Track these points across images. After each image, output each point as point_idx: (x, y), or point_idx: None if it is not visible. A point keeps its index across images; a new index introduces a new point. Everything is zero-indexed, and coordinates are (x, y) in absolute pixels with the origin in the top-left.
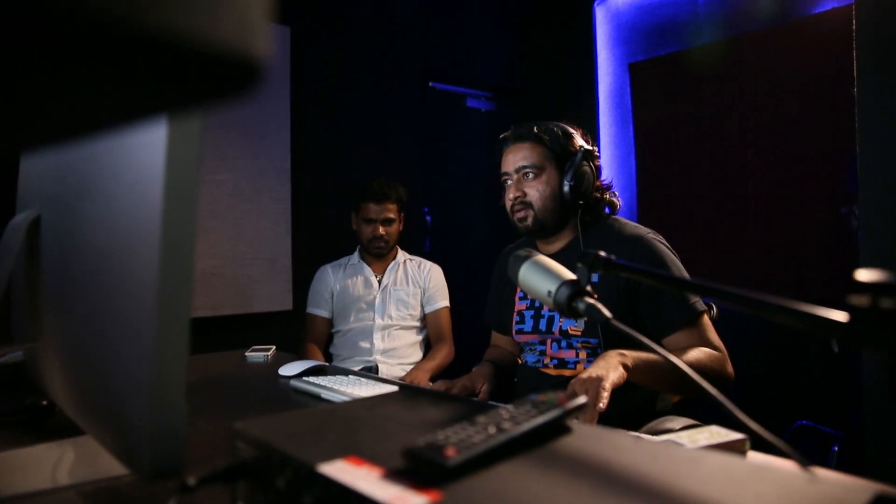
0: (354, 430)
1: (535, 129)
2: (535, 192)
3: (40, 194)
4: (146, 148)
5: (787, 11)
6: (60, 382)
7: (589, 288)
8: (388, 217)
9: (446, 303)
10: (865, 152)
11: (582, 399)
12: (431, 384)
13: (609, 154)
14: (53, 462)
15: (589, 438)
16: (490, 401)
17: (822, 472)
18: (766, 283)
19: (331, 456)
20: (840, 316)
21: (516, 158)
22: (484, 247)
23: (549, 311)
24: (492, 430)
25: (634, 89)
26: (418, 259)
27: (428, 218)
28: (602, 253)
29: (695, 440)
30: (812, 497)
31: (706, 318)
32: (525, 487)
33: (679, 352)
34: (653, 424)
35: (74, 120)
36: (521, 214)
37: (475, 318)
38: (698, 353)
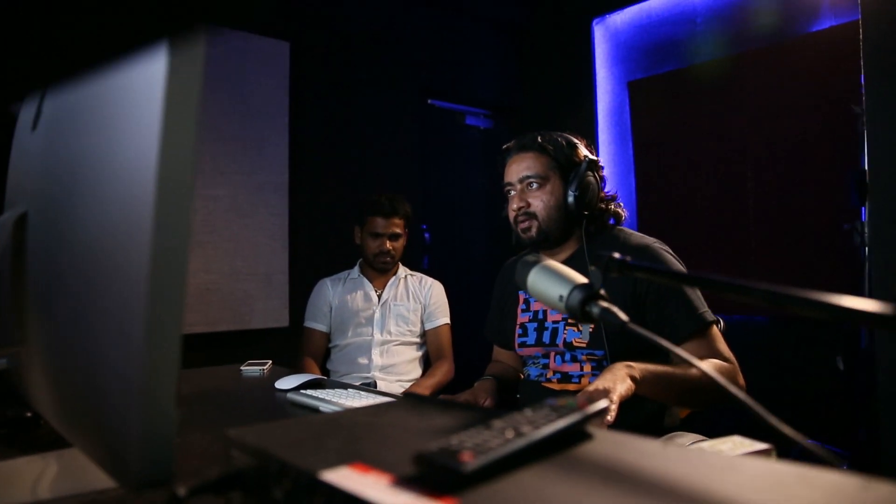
0: (358, 437)
1: (539, 139)
2: (539, 202)
3: (27, 191)
4: (138, 137)
5: (786, 29)
6: (45, 389)
7: (603, 292)
8: (395, 232)
9: (447, 320)
10: (874, 164)
11: (603, 403)
12: None
13: (608, 172)
14: (35, 475)
15: (613, 444)
16: None
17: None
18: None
19: (333, 463)
20: (885, 308)
21: (520, 168)
22: (482, 264)
23: (553, 323)
24: (509, 434)
25: (633, 107)
26: (419, 275)
27: (426, 235)
28: (616, 254)
29: (718, 451)
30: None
31: (715, 328)
32: (551, 494)
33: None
34: (662, 441)
35: (86, 47)
36: (524, 225)
37: (473, 336)
38: (712, 367)
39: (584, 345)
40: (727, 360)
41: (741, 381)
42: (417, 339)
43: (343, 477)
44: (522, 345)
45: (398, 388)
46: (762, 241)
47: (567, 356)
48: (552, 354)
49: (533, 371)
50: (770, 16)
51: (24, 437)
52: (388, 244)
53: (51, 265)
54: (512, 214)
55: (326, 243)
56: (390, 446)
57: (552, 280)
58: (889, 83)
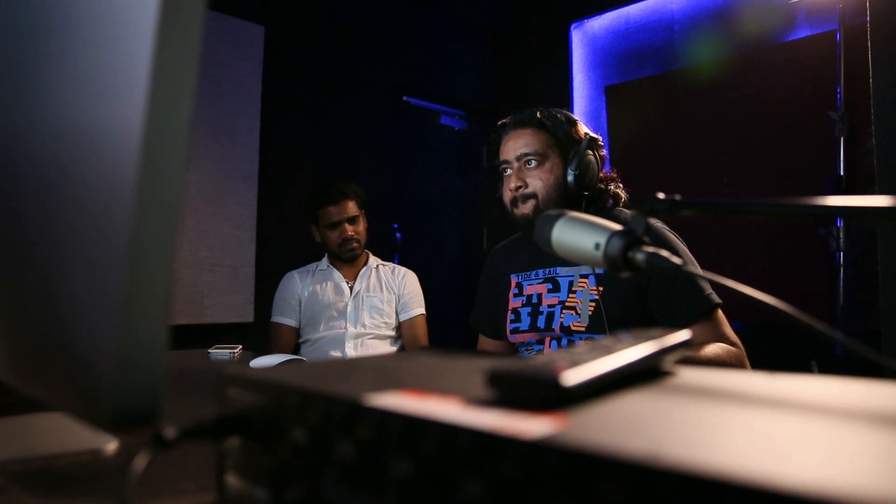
0: (394, 373)
1: (538, 115)
2: (537, 181)
3: None
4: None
5: (763, 38)
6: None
7: (647, 238)
8: (351, 216)
9: (422, 310)
10: (883, 170)
11: (685, 334)
12: None
13: None
14: None
15: (707, 376)
16: None
17: None
18: (743, 307)
19: (377, 390)
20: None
21: (517, 145)
22: (454, 265)
23: (549, 307)
24: (602, 352)
25: (610, 112)
26: (391, 265)
27: (398, 235)
28: (661, 194)
29: None
30: None
31: (721, 311)
32: (684, 413)
33: (694, 347)
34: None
35: None
36: (521, 205)
37: (445, 336)
38: (716, 349)
39: (582, 329)
40: (734, 344)
41: (748, 366)
42: (392, 333)
43: (398, 401)
44: (515, 331)
45: None
46: (739, 246)
47: (564, 341)
48: (547, 340)
49: (524, 351)
50: (747, 25)
51: None
52: (350, 229)
53: (6, 168)
54: (509, 195)
55: (296, 237)
56: (440, 377)
57: (585, 229)
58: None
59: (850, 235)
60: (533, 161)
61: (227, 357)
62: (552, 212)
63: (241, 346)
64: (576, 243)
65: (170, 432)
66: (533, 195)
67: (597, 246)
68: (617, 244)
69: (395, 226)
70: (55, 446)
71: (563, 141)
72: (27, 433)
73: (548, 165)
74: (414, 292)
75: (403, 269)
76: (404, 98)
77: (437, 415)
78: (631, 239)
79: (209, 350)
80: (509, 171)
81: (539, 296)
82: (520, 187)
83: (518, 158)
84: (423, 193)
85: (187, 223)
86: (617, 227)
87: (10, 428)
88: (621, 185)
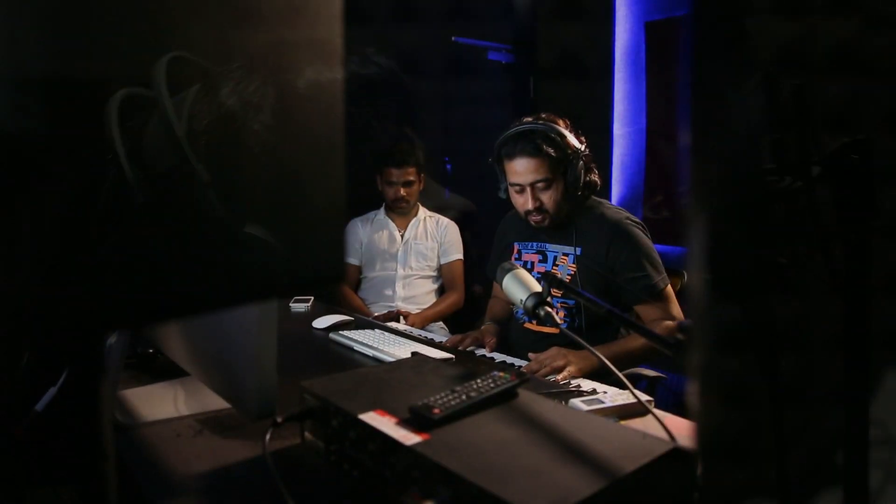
0: (380, 389)
1: (540, 143)
2: (549, 200)
3: None
4: None
5: None
6: (187, 353)
7: (550, 299)
8: (408, 180)
9: (460, 255)
10: None
11: (524, 378)
12: (448, 336)
13: (622, 109)
14: (171, 397)
15: (528, 400)
16: (494, 351)
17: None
18: None
19: (366, 409)
20: None
21: (528, 172)
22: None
23: (537, 274)
24: (463, 397)
25: (649, 49)
26: (437, 216)
27: (448, 167)
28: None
29: (593, 399)
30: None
31: (668, 291)
32: (486, 431)
33: (649, 323)
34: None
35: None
36: (537, 218)
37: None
38: (659, 328)
39: (558, 294)
40: (676, 319)
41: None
42: (434, 273)
43: (371, 418)
44: None
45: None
46: None
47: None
48: None
49: (519, 311)
50: None
51: (148, 367)
52: (403, 191)
53: None
54: (522, 209)
55: (351, 184)
56: (398, 398)
57: (517, 286)
58: None
59: None
60: (541, 185)
61: (304, 310)
62: (506, 265)
63: (312, 298)
64: (513, 294)
65: (279, 419)
66: (546, 210)
67: (521, 301)
68: (531, 302)
69: (446, 158)
70: (217, 402)
71: (561, 160)
72: (195, 392)
73: (555, 185)
74: (453, 240)
75: (446, 220)
76: (453, 39)
77: (381, 428)
78: (538, 301)
79: (290, 303)
80: (523, 191)
81: (532, 263)
82: (536, 207)
83: (530, 185)
84: (473, 128)
85: None
86: (537, 288)
87: (185, 387)
88: (597, 172)
